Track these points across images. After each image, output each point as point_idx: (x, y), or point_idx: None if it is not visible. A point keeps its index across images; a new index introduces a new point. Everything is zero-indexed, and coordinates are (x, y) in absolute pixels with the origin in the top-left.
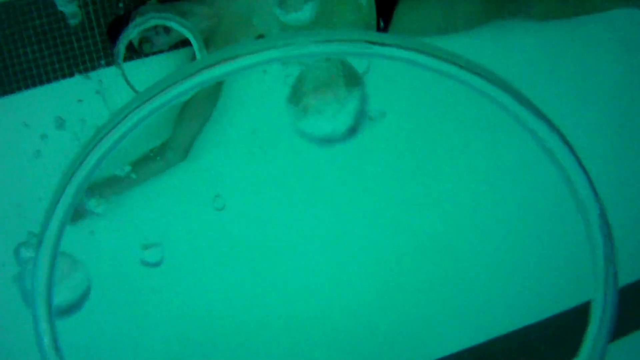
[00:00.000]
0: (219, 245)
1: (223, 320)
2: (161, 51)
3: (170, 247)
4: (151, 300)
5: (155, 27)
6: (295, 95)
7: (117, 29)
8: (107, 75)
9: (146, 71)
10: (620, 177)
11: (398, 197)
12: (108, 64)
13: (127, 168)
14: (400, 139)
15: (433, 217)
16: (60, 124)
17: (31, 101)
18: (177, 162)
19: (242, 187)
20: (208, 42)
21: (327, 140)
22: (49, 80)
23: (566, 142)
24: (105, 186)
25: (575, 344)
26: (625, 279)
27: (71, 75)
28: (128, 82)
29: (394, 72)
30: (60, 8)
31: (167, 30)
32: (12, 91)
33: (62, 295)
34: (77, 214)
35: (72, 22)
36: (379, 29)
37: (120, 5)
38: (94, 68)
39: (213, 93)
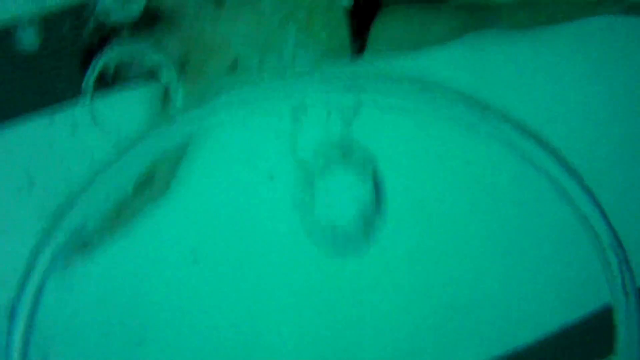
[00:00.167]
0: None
1: None
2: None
3: None
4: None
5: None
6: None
7: (88, 60)
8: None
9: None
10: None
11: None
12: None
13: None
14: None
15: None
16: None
17: None
18: (158, 197)
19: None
20: (183, 67)
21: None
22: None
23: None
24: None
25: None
26: None
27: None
28: (96, 121)
29: None
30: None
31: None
32: None
33: None
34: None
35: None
36: (354, 50)
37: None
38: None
39: None
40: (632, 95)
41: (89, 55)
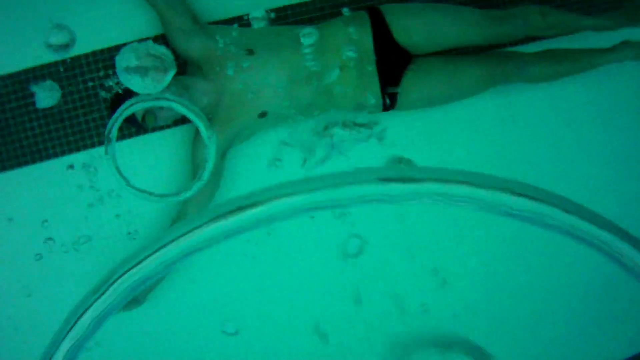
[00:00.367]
0: None
1: None
2: (165, 126)
3: None
4: None
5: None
6: None
7: (116, 106)
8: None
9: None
10: None
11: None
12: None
13: None
14: None
15: None
16: None
17: None
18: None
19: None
20: (211, 117)
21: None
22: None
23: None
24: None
25: None
26: None
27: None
28: (117, 169)
29: None
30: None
31: None
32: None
33: None
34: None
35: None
36: (385, 106)
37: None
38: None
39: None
40: None
41: (117, 101)
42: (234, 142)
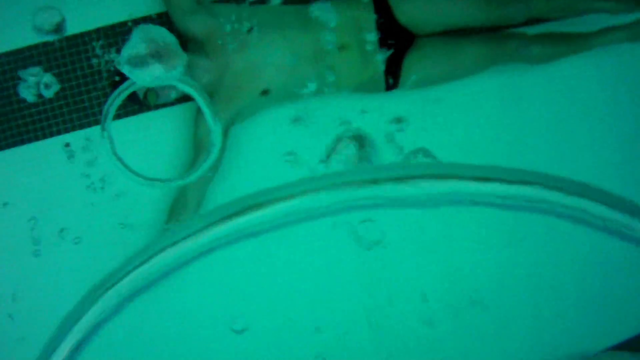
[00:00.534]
0: None
1: None
2: (169, 103)
3: None
4: None
5: None
6: None
7: (117, 84)
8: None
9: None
10: None
11: None
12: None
13: None
14: None
15: None
16: None
17: None
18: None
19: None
20: (212, 95)
21: None
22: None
23: None
24: None
25: None
26: None
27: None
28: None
29: None
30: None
31: None
32: None
33: None
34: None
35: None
36: (387, 86)
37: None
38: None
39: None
40: None
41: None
42: (236, 120)
